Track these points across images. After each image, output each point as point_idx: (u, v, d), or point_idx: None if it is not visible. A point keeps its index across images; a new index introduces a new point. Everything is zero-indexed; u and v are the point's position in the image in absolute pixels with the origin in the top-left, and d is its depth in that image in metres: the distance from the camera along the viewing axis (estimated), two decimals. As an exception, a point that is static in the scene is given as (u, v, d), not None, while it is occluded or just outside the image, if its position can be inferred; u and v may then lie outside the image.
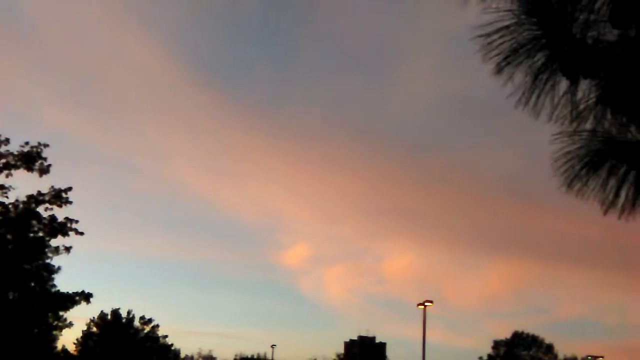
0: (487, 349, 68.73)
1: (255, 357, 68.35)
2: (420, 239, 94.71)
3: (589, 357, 63.06)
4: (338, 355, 71.68)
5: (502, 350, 67.80)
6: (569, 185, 2.61)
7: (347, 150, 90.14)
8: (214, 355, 69.59)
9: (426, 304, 44.08)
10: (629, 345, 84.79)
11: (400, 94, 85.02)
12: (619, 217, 2.61)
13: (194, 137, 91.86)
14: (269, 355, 67.21)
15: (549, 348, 67.22)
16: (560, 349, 68.13)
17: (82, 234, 25.56)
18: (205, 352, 68.98)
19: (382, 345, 73.75)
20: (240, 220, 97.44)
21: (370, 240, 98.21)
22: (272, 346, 66.09)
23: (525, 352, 67.26)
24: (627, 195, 2.59)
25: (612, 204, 2.60)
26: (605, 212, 2.60)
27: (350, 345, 74.20)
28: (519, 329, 68.06)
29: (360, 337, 74.36)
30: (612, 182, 2.60)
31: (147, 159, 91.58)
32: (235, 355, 69.54)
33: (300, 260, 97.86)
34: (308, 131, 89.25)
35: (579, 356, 66.17)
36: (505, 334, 69.43)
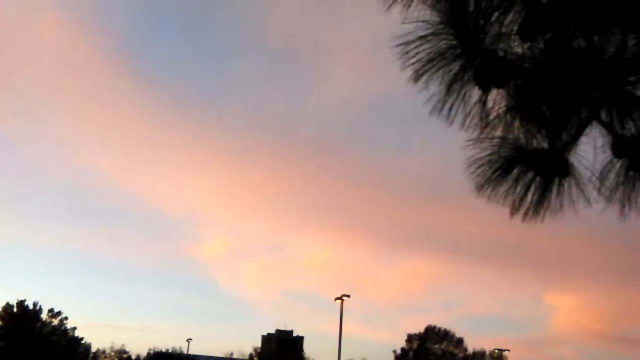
0: (402, 343, 70.51)
1: (170, 351, 67.10)
2: (338, 235, 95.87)
3: (496, 351, 65.91)
4: (255, 350, 71.55)
5: (415, 344, 69.71)
6: (480, 189, 2.73)
7: (267, 145, 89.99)
8: (127, 350, 67.96)
9: (343, 298, 44.75)
10: (531, 339, 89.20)
11: (322, 93, 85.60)
12: (523, 220, 2.76)
13: (110, 125, 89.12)
14: (184, 350, 66.24)
15: (459, 342, 69.67)
16: (470, 343, 70.82)
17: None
18: (117, 346, 67.26)
19: (300, 339, 74.19)
20: (156, 212, 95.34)
21: (288, 235, 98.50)
22: (188, 340, 65.18)
23: (437, 346, 69.41)
24: (532, 200, 2.74)
25: (519, 207, 2.74)
26: (512, 215, 2.75)
27: (267, 339, 74.22)
28: (432, 323, 70.17)
29: (278, 331, 74.54)
30: (520, 187, 2.74)
31: (60, 145, 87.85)
32: (149, 350, 68.03)
33: (217, 254, 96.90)
34: (228, 125, 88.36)
35: (487, 350, 68.98)
36: (419, 328, 71.42)
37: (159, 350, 67.08)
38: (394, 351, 70.41)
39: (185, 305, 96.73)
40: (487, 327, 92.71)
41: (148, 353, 67.54)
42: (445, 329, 69.87)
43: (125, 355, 67.49)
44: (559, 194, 2.71)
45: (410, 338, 70.22)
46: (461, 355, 69.23)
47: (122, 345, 67.48)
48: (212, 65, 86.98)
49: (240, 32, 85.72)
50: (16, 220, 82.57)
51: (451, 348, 69.45)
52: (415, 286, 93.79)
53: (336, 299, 45.36)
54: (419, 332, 69.85)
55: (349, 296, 45.10)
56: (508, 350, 64.05)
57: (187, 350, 65.56)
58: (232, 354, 69.53)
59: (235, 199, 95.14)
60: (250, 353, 70.39)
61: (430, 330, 69.70)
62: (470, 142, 2.71)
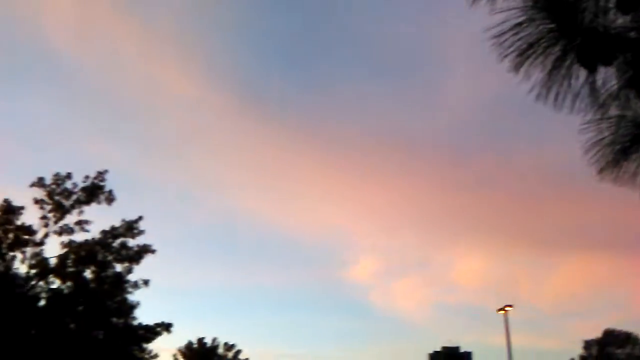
0: (575, 349, 66.22)
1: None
2: (484, 243, 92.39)
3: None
4: (423, 368, 70.31)
5: (594, 350, 65.16)
6: (602, 172, 2.59)
7: (393, 159, 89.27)
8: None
9: (506, 308, 43.01)
10: None
11: (437, 100, 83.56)
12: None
13: (242, 162, 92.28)
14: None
15: (645, 344, 64.11)
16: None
17: (154, 252, 26.65)
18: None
19: (468, 355, 72.10)
20: (300, 240, 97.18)
21: (434, 249, 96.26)
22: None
23: (619, 351, 64.40)
24: (663, 178, 2.56)
25: (649, 187, 2.56)
26: (644, 197, 2.57)
27: (434, 356, 72.89)
28: (604, 326, 65.33)
29: (444, 348, 72.96)
30: (647, 166, 2.57)
31: (200, 188, 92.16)
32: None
33: (367, 275, 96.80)
34: (352, 144, 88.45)
35: None
36: (588, 332, 67.08)
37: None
38: (572, 359, 66.28)
39: (343, 329, 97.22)
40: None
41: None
42: (625, 332, 64.71)
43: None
44: (693, 167, 2.50)
45: (587, 344, 65.76)
46: (649, 359, 63.60)
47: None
48: (328, 83, 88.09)
49: (351, 47, 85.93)
50: (174, 263, 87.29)
51: (636, 352, 64.05)
52: (578, 288, 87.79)
53: (499, 310, 43.69)
54: (597, 337, 65.22)
55: (511, 306, 43.29)
56: None
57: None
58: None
59: (375, 218, 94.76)
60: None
61: (609, 334, 64.85)
62: (586, 125, 2.59)
